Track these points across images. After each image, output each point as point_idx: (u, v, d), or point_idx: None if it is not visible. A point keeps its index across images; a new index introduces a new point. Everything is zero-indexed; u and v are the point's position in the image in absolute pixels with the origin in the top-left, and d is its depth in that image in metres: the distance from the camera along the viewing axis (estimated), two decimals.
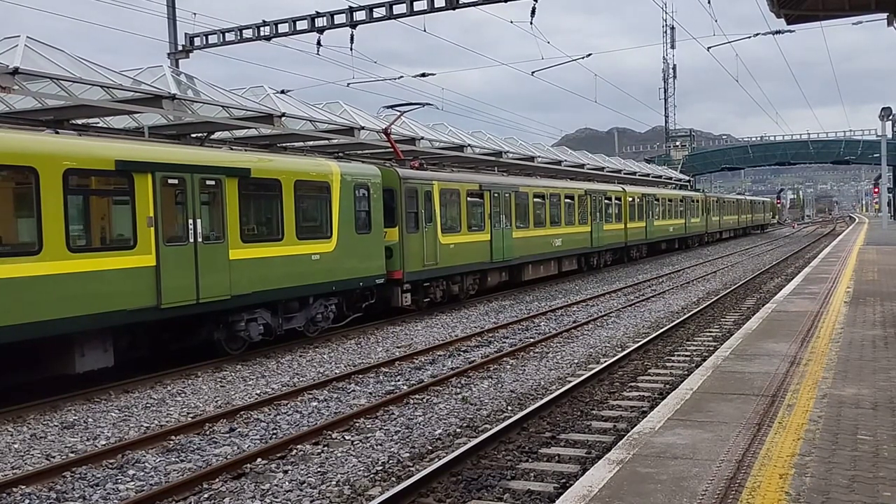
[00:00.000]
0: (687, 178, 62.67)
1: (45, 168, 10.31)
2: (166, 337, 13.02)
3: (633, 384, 11.24)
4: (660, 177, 51.01)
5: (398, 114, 21.24)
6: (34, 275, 10.11)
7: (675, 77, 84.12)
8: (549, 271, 26.81)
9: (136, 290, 11.49)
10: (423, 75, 32.11)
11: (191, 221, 12.39)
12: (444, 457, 7.76)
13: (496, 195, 22.39)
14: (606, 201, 31.80)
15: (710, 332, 15.70)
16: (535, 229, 24.84)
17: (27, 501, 7.19)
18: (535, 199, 25.12)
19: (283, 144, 19.00)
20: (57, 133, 11.45)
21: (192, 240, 12.39)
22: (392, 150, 20.70)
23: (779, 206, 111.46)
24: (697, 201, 48.59)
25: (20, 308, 9.91)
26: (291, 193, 14.47)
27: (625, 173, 42.63)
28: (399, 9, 25.45)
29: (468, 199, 20.94)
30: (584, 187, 29.96)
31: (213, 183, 12.82)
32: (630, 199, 34.81)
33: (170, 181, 12.08)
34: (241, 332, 13.59)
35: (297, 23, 27.49)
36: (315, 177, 15.30)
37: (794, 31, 28.34)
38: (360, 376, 12.30)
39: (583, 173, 35.85)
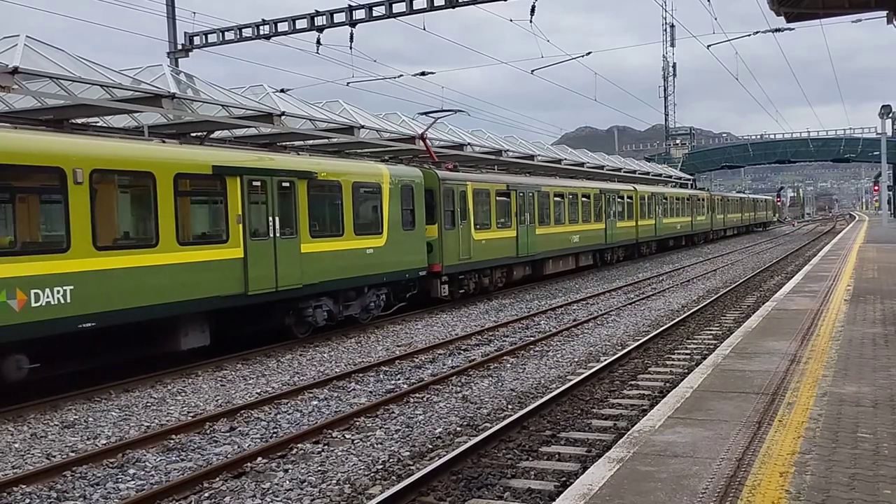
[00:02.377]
0: (688, 176, 62.65)
1: (161, 173, 12.04)
2: (247, 321, 14.47)
3: (633, 382, 11.24)
4: (660, 175, 50.96)
5: (433, 119, 22.50)
6: (153, 264, 11.84)
7: (674, 75, 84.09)
8: (568, 266, 28.46)
9: (229, 278, 13.16)
10: (423, 74, 32.14)
11: (270, 219, 14.00)
12: (444, 455, 7.76)
13: (521, 195, 24.01)
14: (619, 200, 33.38)
15: (710, 330, 15.70)
16: (555, 226, 26.62)
17: (28, 501, 7.19)
18: (556, 199, 26.90)
19: (283, 143, 18.98)
20: (164, 142, 13.37)
21: (271, 235, 14.01)
22: (427, 153, 22.01)
23: (779, 204, 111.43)
24: (703, 200, 50.14)
25: (143, 293, 11.65)
26: (350, 194, 16.13)
27: (624, 171, 42.61)
28: (398, 7, 25.47)
29: (497, 198, 22.53)
30: (599, 187, 31.50)
31: (287, 185, 14.43)
32: (641, 198, 36.33)
33: (254, 183, 13.69)
34: (308, 317, 15.18)
35: (297, 22, 27.50)
36: (368, 179, 16.95)
37: (793, 29, 28.26)
38: (361, 375, 12.30)
39: (583, 172, 35.85)
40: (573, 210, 28.32)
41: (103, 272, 11.09)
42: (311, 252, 14.88)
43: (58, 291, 10.43)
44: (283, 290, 14.17)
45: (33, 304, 10.12)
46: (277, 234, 14.08)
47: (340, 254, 15.77)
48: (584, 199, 29.41)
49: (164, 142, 13.35)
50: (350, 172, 16.39)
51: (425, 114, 22.93)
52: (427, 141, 21.75)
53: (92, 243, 10.96)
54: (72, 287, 10.60)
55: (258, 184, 13.77)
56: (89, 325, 10.86)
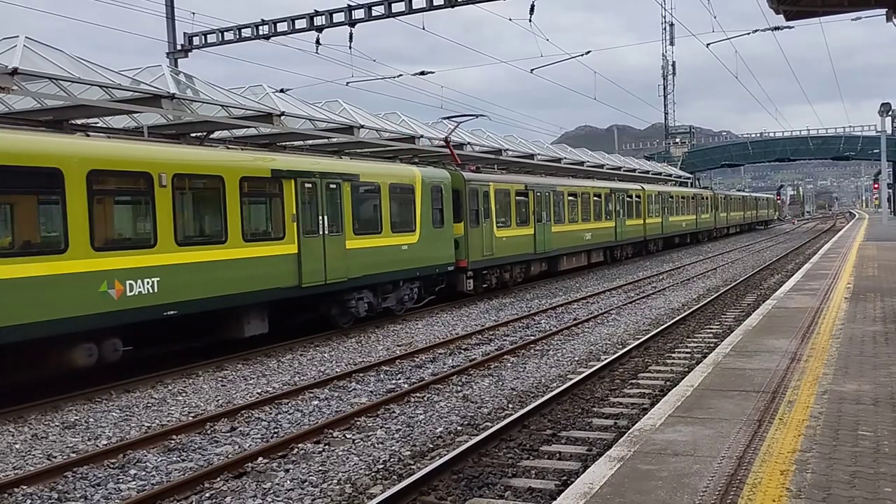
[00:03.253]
0: (688, 175, 62.68)
1: (229, 177, 13.35)
2: (299, 312, 15.66)
3: (633, 381, 11.24)
4: (659, 174, 50.99)
5: (455, 124, 23.77)
6: (223, 259, 13.12)
7: (674, 74, 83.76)
8: (581, 262, 29.76)
9: (285, 272, 14.40)
10: (423, 73, 32.14)
11: (320, 217, 15.25)
12: (445, 455, 7.77)
13: (538, 194, 25.34)
14: (628, 199, 34.73)
15: (710, 328, 15.70)
16: (569, 224, 27.93)
17: (29, 501, 7.20)
18: (570, 198, 28.21)
19: (283, 143, 18.98)
20: (228, 148, 14.80)
21: (321, 232, 15.25)
22: (450, 155, 23.07)
23: (779, 202, 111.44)
24: (707, 199, 51.53)
25: (215, 284, 12.95)
26: (387, 194, 17.41)
27: (624, 170, 42.62)
28: (398, 7, 25.48)
29: (516, 197, 23.84)
30: (609, 186, 32.89)
31: (334, 186, 15.67)
32: (648, 196, 37.71)
33: (306, 185, 14.91)
34: (351, 308, 16.41)
35: (296, 22, 27.50)
36: (403, 180, 18.26)
37: (793, 27, 28.29)
38: (361, 375, 12.30)
39: (582, 171, 35.85)
40: (586, 209, 29.57)
41: (183, 265, 12.40)
42: (355, 248, 16.17)
43: (147, 282, 11.76)
44: (331, 283, 15.47)
45: (128, 294, 11.47)
46: (326, 232, 15.36)
47: (379, 250, 17.06)
48: (595, 198, 30.64)
49: (228, 147, 14.92)
50: (387, 174, 17.73)
51: (448, 118, 24.04)
52: (450, 143, 22.98)
53: (174, 239, 12.28)
54: (158, 279, 11.92)
55: (309, 185, 15.02)
56: (172, 312, 12.19)
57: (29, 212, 11.04)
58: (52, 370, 11.23)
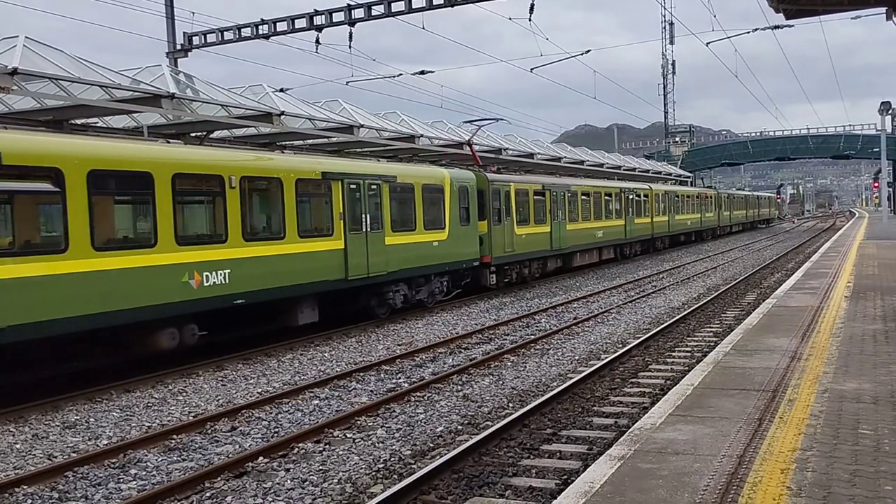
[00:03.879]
0: (687, 174, 62.74)
1: (286, 178, 14.69)
2: (344, 303, 16.94)
3: (633, 380, 11.24)
4: (659, 173, 51.06)
5: (476, 128, 25.53)
6: (282, 253, 14.40)
7: (674, 73, 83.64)
8: (593, 259, 31.18)
9: (333, 266, 15.70)
10: (423, 73, 32.14)
11: (363, 215, 16.54)
12: (445, 454, 7.77)
13: (554, 193, 26.72)
14: (637, 198, 36.08)
15: (710, 327, 15.70)
16: (583, 223, 29.30)
17: (29, 501, 7.20)
18: (583, 197, 29.58)
19: (283, 143, 18.97)
20: (283, 152, 16.27)
21: (364, 229, 16.55)
22: (472, 157, 24.37)
23: (779, 201, 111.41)
24: (711, 198, 53.15)
25: (275, 276, 14.21)
26: (420, 194, 18.80)
27: (624, 169, 42.67)
28: (397, 6, 25.48)
29: (534, 197, 25.20)
30: (619, 186, 34.32)
31: (375, 187, 16.99)
32: (656, 196, 39.15)
33: (351, 186, 16.21)
34: (389, 300, 17.72)
35: (296, 21, 27.50)
36: (434, 181, 19.58)
37: (792, 25, 28.28)
38: (361, 374, 12.30)
39: (582, 170, 35.87)
40: (598, 208, 30.96)
41: (249, 259, 13.69)
42: (393, 244, 17.54)
43: (220, 274, 13.03)
44: (373, 276, 16.83)
45: (205, 284, 12.76)
46: (368, 229, 16.68)
47: (414, 246, 18.45)
48: (606, 197, 32.09)
49: (283, 152, 16.45)
50: (421, 176, 19.15)
51: (470, 122, 25.95)
52: (473, 146, 24.34)
53: (242, 235, 13.58)
54: (229, 271, 13.19)
55: (353, 186, 16.32)
56: (240, 301, 13.47)
57: (128, 211, 12.72)
58: (143, 352, 12.52)
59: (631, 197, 35.08)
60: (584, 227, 29.44)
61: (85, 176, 11.02)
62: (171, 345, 12.53)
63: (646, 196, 37.57)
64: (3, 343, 9.96)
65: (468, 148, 24.16)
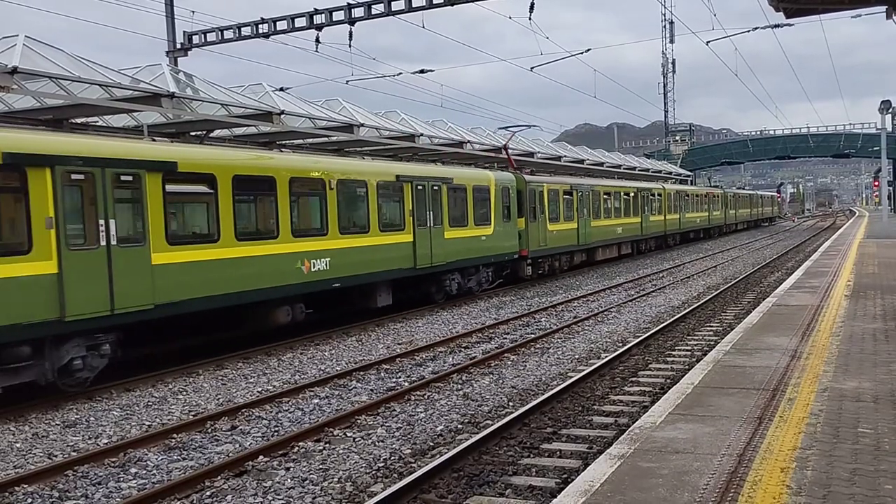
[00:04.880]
0: (687, 173, 62.81)
1: (370, 180, 17.14)
2: (411, 289, 19.27)
3: (633, 379, 11.25)
4: (659, 172, 51.18)
5: (511, 133, 28.22)
6: (368, 245, 16.88)
7: (674, 72, 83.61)
8: (613, 254, 33.45)
9: (404, 256, 18.14)
10: (423, 72, 32.13)
11: (428, 212, 19.01)
12: (445, 453, 7.77)
13: (580, 193, 28.98)
14: (651, 197, 38.51)
15: (710, 326, 15.70)
16: (604, 220, 31.60)
17: (30, 500, 7.21)
18: (605, 196, 31.90)
19: (283, 142, 18.97)
20: (363, 158, 19.14)
21: (428, 224, 18.98)
22: (507, 160, 26.82)
23: (779, 200, 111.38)
24: (718, 197, 55.73)
25: (363, 264, 16.61)
26: (471, 194, 21.20)
27: (625, 168, 42.72)
28: (397, 5, 25.47)
29: (563, 196, 27.53)
30: (636, 186, 36.77)
31: (436, 188, 19.53)
32: (668, 195, 41.60)
33: (418, 186, 18.72)
34: (446, 287, 20.22)
35: (296, 20, 27.48)
36: (482, 182, 22.00)
37: (793, 24, 28.28)
38: (362, 373, 12.31)
39: (583, 169, 35.91)
40: (618, 206, 33.40)
41: (344, 249, 16.08)
42: (450, 238, 19.96)
43: (323, 261, 15.44)
44: (435, 265, 19.28)
45: (312, 269, 15.15)
46: (432, 224, 19.09)
47: (466, 240, 20.84)
48: (625, 196, 34.59)
49: (364, 158, 19.29)
50: (471, 178, 21.59)
51: (504, 128, 29.05)
52: (508, 150, 26.93)
53: (338, 229, 15.95)
54: (329, 259, 15.60)
55: (420, 187, 18.78)
56: (337, 284, 15.88)
57: (258, 208, 14.65)
58: (263, 326, 14.74)
59: (646, 196, 37.38)
60: (606, 224, 31.72)
61: (230, 180, 13.43)
62: (286, 320, 14.82)
63: (659, 195, 39.90)
64: (181, 313, 12.40)
65: (504, 152, 26.75)
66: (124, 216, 11.56)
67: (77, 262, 10.68)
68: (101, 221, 11.13)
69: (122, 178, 11.52)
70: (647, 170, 48.12)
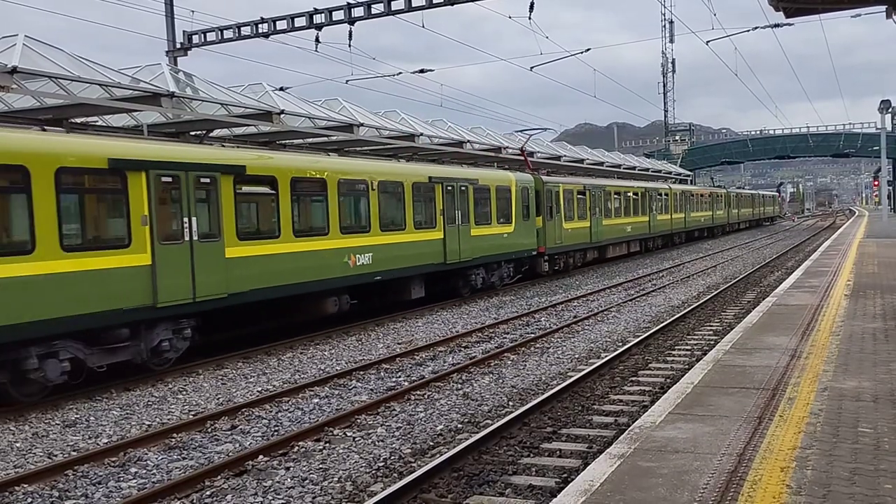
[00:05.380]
0: (687, 172, 62.86)
1: (406, 182, 18.54)
2: (440, 283, 20.63)
3: (633, 378, 11.25)
4: (659, 171, 51.21)
5: (528, 136, 29.98)
6: (403, 241, 18.28)
7: (674, 71, 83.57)
8: (623, 251, 34.96)
9: (436, 252, 19.55)
10: (423, 71, 32.11)
11: (456, 211, 20.47)
12: (445, 452, 7.77)
13: (593, 193, 30.48)
14: (658, 197, 39.97)
15: (710, 326, 15.70)
16: (615, 219, 33.03)
17: (30, 500, 7.21)
18: (615, 196, 33.35)
19: (282, 142, 18.96)
20: (399, 161, 20.80)
21: (457, 223, 20.45)
22: (523, 161, 28.19)
23: (779, 199, 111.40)
24: (721, 197, 57.46)
25: (399, 259, 18.05)
26: (494, 194, 22.62)
27: (624, 168, 42.72)
28: (397, 5, 25.45)
29: (577, 196, 29.02)
30: (644, 186, 38.18)
31: (464, 188, 21.03)
32: (674, 195, 43.18)
33: (448, 187, 20.20)
34: (471, 281, 21.63)
35: (296, 20, 27.46)
36: (504, 183, 23.40)
37: (792, 24, 28.26)
38: (361, 373, 12.31)
39: (582, 168, 35.91)
40: (627, 206, 34.84)
41: (384, 244, 17.44)
42: (476, 235, 21.36)
43: (366, 256, 16.78)
44: (463, 261, 20.69)
45: (357, 263, 16.48)
46: (460, 222, 20.58)
47: (490, 237, 22.25)
48: (634, 196, 35.98)
49: (398, 160, 20.94)
50: (494, 178, 23.03)
51: (521, 131, 30.80)
52: (525, 152, 28.54)
53: (379, 226, 17.27)
54: (372, 254, 16.96)
55: (450, 188, 20.26)
56: (379, 277, 17.20)
57: (312, 207, 16.05)
58: (315, 315, 16.03)
59: (654, 196, 38.90)
60: (616, 223, 33.19)
61: (289, 181, 14.85)
62: (334, 310, 16.19)
63: (666, 195, 41.51)
64: (248, 301, 13.69)
65: (522, 154, 28.38)
66: (203, 214, 12.86)
67: (167, 255, 12.02)
68: (185, 219, 12.48)
69: (202, 180, 12.87)
70: (647, 169, 48.10)
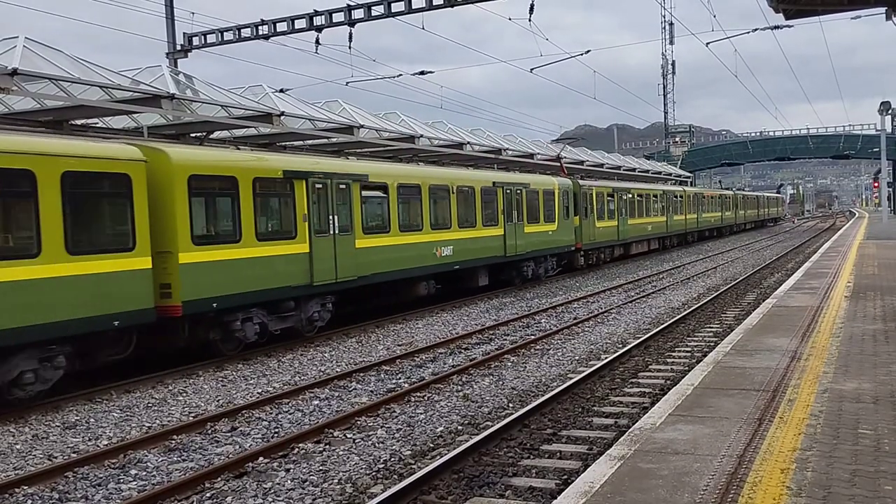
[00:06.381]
0: (687, 174, 62.89)
1: (476, 186, 21.96)
2: (501, 273, 23.93)
3: (633, 380, 11.24)
4: (659, 173, 51.35)
5: (563, 145, 34.22)
6: (475, 236, 21.62)
7: (674, 73, 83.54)
8: (644, 248, 38.33)
9: (497, 246, 22.88)
10: (423, 73, 32.12)
11: (514, 211, 23.79)
12: (445, 454, 7.77)
13: (620, 195, 33.75)
14: (674, 199, 43.49)
15: (710, 327, 15.70)
16: (638, 218, 36.36)
17: (30, 502, 7.20)
18: (638, 198, 36.54)
19: (283, 143, 18.97)
20: (469, 169, 24.20)
21: (514, 221, 23.68)
22: (557, 165, 31.15)
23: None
24: (730, 198, 61.03)
25: (471, 252, 21.31)
26: (542, 196, 25.93)
27: (624, 170, 42.78)
28: (397, 7, 25.43)
29: (607, 198, 32.25)
30: (662, 189, 41.75)
31: (519, 191, 24.31)
32: (688, 197, 46.87)
33: (507, 190, 23.55)
34: (524, 272, 24.91)
35: (296, 21, 27.45)
36: (549, 187, 26.71)
37: (792, 26, 28.24)
38: (362, 374, 12.30)
39: (582, 170, 35.94)
40: (648, 207, 38.23)
41: (462, 239, 20.82)
42: (528, 232, 24.66)
43: (448, 248, 20.14)
44: (518, 254, 23.95)
45: (441, 255, 19.85)
46: (516, 221, 23.80)
47: (539, 234, 25.51)
48: (654, 198, 39.43)
49: (467, 167, 24.71)
50: (542, 183, 26.29)
51: (557, 140, 34.51)
52: (562, 160, 31.91)
53: (458, 223, 20.78)
54: (452, 247, 20.31)
55: (508, 191, 23.58)
56: (457, 267, 20.64)
57: (411, 206, 18.93)
58: (409, 297, 19.31)
59: (670, 198, 42.38)
60: (639, 222, 36.55)
61: (396, 187, 17.97)
62: (424, 292, 19.41)
63: (681, 197, 45.05)
64: (369, 283, 16.90)
65: (559, 161, 31.71)
66: (341, 213, 15.99)
67: (319, 245, 15.27)
68: (331, 217, 15.68)
69: (340, 186, 16.04)
70: (647, 171, 48.19)
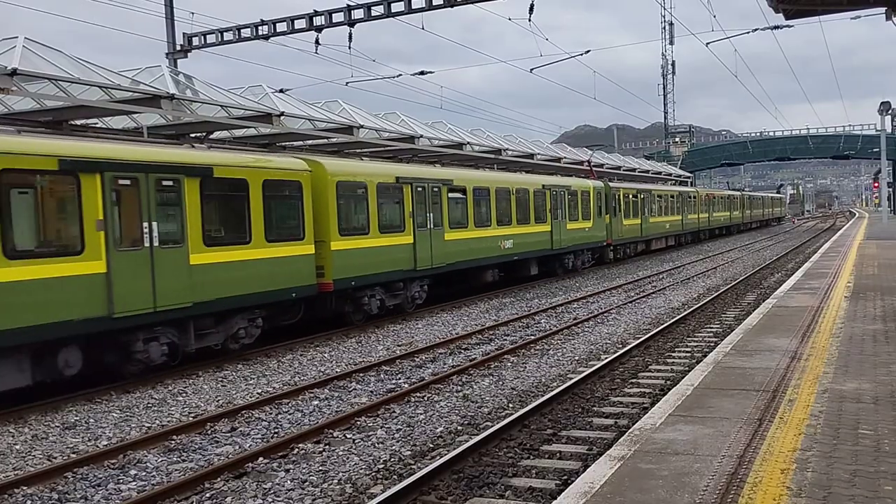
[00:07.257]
0: (687, 174, 62.95)
1: (530, 189, 24.94)
2: (550, 264, 27.14)
3: (633, 380, 11.24)
4: (659, 173, 51.59)
5: (592, 151, 38.14)
6: (528, 232, 24.59)
7: (674, 73, 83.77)
8: (662, 245, 41.09)
9: (545, 241, 25.71)
10: (422, 73, 32.13)
11: (559, 211, 26.84)
12: (445, 454, 7.76)
13: (644, 196, 36.77)
14: (689, 199, 46.46)
15: (710, 328, 15.69)
16: (657, 217, 39.25)
17: (29, 502, 7.20)
18: (658, 198, 39.36)
19: (282, 144, 18.98)
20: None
21: (558, 219, 26.73)
22: (589, 173, 34.86)
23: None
24: (737, 198, 63.98)
25: (525, 245, 24.17)
26: (580, 197, 28.98)
27: (624, 169, 42.88)
28: (397, 7, 25.43)
29: (632, 198, 35.11)
30: (678, 190, 45.18)
31: (562, 193, 27.14)
32: (701, 197, 49.90)
33: (553, 192, 26.45)
34: (565, 263, 27.90)
35: (296, 22, 27.46)
36: (585, 188, 29.79)
37: (792, 26, 28.25)
38: (361, 375, 12.30)
39: (582, 170, 35.97)
40: (666, 206, 41.02)
41: (519, 234, 23.77)
42: (570, 228, 27.76)
43: (509, 242, 23.18)
44: (563, 248, 27.09)
45: (504, 247, 22.90)
46: (560, 219, 26.78)
47: (578, 230, 28.61)
48: (671, 199, 42.18)
49: (524, 172, 28.86)
50: (581, 186, 29.44)
51: (588, 146, 38.20)
52: (591, 164, 36.35)
53: (516, 220, 23.63)
54: (512, 241, 23.29)
55: (555, 193, 26.62)
56: (516, 258, 23.71)
57: (481, 205, 21.80)
58: (477, 283, 22.23)
59: (685, 198, 45.25)
60: (658, 221, 39.35)
61: (472, 189, 21.27)
62: (490, 280, 22.57)
63: (694, 198, 48.05)
64: (451, 270, 20.15)
65: (588, 165, 35.92)
66: (434, 210, 19.20)
67: (420, 237, 18.51)
68: (429, 213, 18.87)
69: (433, 188, 19.29)
70: (647, 171, 48.34)
